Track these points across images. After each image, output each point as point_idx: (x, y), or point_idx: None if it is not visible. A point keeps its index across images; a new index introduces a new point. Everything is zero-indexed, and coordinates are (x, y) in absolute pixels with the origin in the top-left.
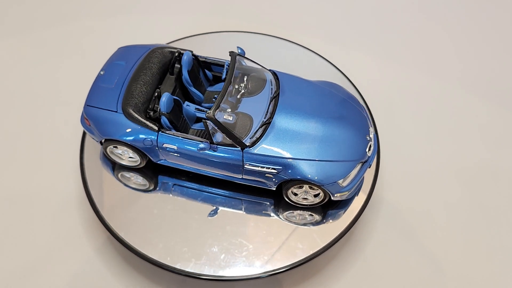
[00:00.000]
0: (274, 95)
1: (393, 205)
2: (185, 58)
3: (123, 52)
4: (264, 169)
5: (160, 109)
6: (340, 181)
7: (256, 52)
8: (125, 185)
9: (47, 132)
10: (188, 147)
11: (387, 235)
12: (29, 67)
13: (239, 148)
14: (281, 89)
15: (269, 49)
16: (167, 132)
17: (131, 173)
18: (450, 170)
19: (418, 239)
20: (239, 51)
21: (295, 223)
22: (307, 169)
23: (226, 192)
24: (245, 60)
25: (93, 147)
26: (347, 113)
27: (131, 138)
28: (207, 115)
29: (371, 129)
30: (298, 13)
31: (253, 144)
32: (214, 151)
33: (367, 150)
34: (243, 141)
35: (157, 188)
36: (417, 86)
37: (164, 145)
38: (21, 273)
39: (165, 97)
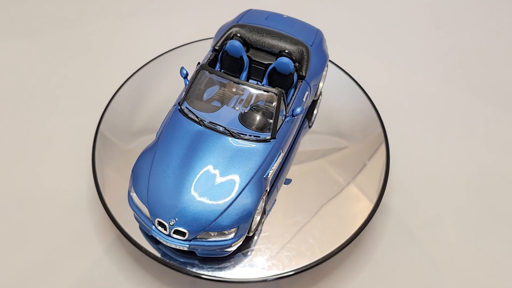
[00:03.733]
0: None
1: (403, 209)
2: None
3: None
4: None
5: None
6: None
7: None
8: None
9: (59, 134)
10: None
11: (397, 239)
12: (42, 68)
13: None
14: None
15: None
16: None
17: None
18: (459, 175)
19: (427, 244)
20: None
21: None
22: None
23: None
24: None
25: (104, 147)
26: None
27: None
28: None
29: None
30: (307, 17)
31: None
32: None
33: None
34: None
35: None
36: (426, 92)
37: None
38: (33, 272)
39: None
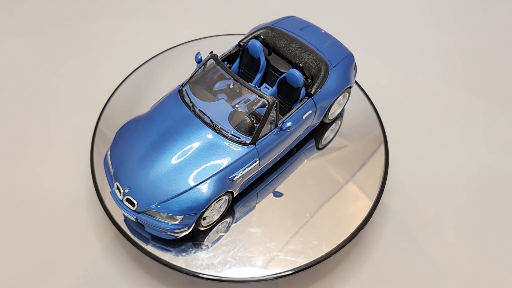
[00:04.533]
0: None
1: (402, 209)
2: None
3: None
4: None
5: None
6: None
7: None
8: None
9: (58, 133)
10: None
11: (396, 239)
12: (41, 67)
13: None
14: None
15: None
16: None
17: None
18: (458, 175)
19: (427, 244)
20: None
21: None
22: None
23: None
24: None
25: (103, 146)
26: None
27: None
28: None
29: None
30: (308, 17)
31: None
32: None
33: None
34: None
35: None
36: (425, 92)
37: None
38: (31, 271)
39: None
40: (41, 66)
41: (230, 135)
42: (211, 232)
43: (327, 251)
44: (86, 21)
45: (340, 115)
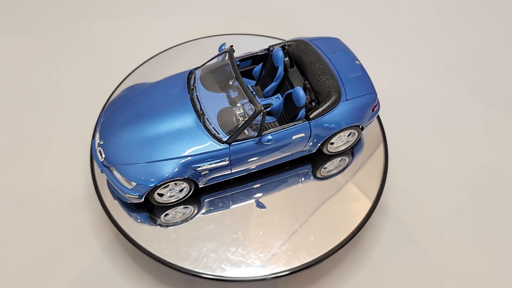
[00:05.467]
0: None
1: (401, 209)
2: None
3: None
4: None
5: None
6: None
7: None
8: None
9: (58, 132)
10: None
11: (395, 239)
12: (41, 67)
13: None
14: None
15: None
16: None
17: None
18: (458, 175)
19: (426, 244)
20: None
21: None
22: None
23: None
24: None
25: None
26: None
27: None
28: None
29: None
30: (308, 17)
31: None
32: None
33: None
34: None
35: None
36: (425, 92)
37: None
38: (31, 270)
39: None
40: (41, 65)
41: (211, 128)
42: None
43: (326, 251)
44: (86, 20)
45: (352, 154)
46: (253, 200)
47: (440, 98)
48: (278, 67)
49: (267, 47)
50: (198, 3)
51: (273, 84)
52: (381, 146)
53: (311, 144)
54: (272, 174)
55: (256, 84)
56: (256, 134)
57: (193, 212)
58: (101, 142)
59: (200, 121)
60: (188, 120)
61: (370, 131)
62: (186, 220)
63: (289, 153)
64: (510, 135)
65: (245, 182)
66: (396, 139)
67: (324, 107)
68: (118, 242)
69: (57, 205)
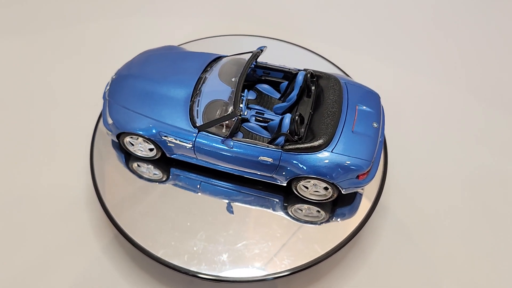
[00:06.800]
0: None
1: (400, 210)
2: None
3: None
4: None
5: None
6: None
7: (265, 56)
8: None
9: (58, 132)
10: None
11: (394, 240)
12: (40, 66)
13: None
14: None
15: (277, 54)
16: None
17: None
18: (457, 176)
19: (426, 245)
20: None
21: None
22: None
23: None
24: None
25: (103, 146)
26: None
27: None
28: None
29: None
30: (308, 17)
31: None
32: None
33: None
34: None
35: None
36: (424, 93)
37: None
38: (30, 270)
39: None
40: (40, 66)
41: (194, 109)
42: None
43: (326, 252)
44: (86, 20)
45: (319, 210)
46: (224, 201)
47: (440, 98)
48: (293, 90)
49: (303, 69)
50: (198, 3)
51: (284, 104)
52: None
53: (279, 175)
54: (248, 187)
55: (279, 98)
56: (226, 135)
57: (161, 178)
58: (114, 77)
59: (190, 99)
60: (182, 93)
61: None
62: (153, 180)
63: (256, 172)
64: (509, 135)
65: (222, 180)
66: (395, 139)
67: (303, 146)
68: (118, 243)
69: (57, 205)
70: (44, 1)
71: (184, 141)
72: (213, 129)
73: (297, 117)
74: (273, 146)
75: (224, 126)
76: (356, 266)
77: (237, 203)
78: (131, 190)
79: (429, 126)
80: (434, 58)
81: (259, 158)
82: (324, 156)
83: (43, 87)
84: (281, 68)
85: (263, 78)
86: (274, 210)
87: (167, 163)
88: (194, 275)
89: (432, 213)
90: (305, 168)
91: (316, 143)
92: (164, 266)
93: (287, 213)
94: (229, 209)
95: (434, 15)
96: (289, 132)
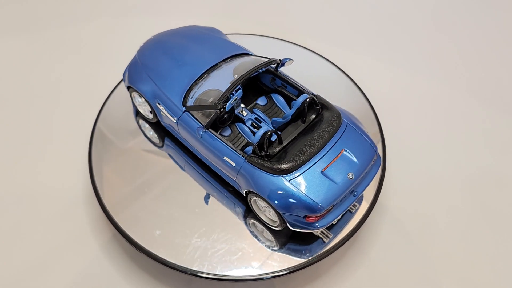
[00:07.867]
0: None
1: (398, 209)
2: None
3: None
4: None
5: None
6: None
7: (265, 55)
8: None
9: (58, 132)
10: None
11: (392, 239)
12: (40, 66)
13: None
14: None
15: (278, 54)
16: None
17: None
18: (455, 176)
19: (423, 244)
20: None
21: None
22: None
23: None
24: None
25: (102, 146)
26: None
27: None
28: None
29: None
30: (307, 16)
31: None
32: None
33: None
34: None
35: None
36: (423, 93)
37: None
38: (29, 269)
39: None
40: (40, 65)
41: (193, 89)
42: None
43: (324, 250)
44: (86, 19)
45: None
46: (203, 190)
47: (439, 99)
48: (291, 108)
49: (313, 93)
50: (197, 3)
51: (281, 120)
52: (379, 145)
53: (240, 182)
54: (224, 187)
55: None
56: (204, 123)
57: (157, 142)
58: (152, 38)
59: (194, 80)
60: (192, 73)
61: (368, 131)
62: (150, 141)
63: (221, 169)
64: (508, 136)
65: (202, 168)
66: (394, 140)
67: (264, 163)
68: (116, 241)
69: (56, 205)
70: (44, 1)
71: (171, 115)
72: (198, 114)
73: (269, 133)
74: (240, 152)
75: (207, 116)
76: (355, 264)
77: (215, 198)
78: (129, 189)
79: (427, 126)
80: (434, 58)
81: (224, 157)
82: (279, 182)
83: (43, 88)
84: (296, 85)
85: (280, 89)
86: (237, 215)
87: (165, 133)
88: (193, 274)
89: (431, 212)
90: (257, 185)
91: (277, 166)
92: (163, 265)
93: (246, 223)
94: (206, 199)
95: (434, 16)
96: (257, 145)
